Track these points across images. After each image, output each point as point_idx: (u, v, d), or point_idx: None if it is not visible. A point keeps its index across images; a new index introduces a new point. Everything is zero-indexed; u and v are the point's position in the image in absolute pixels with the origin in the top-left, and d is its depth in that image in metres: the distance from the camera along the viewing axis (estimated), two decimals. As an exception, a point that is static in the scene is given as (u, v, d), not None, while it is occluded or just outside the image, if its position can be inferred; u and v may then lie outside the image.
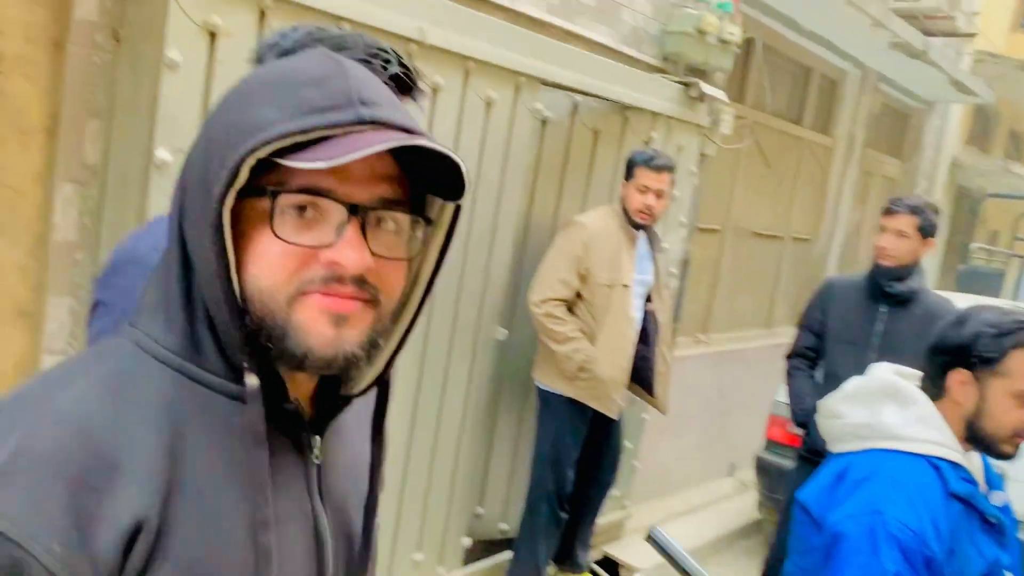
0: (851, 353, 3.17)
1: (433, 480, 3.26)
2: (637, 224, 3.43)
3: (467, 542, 3.57)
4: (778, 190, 6.20)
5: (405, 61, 1.43)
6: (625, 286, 3.39)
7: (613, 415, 3.49)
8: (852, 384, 1.85)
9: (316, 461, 0.81)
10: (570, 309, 3.41)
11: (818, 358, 3.44)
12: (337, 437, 0.86)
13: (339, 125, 0.69)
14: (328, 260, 0.71)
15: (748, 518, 5.28)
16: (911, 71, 6.70)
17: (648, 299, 3.59)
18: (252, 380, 0.73)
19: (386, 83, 1.42)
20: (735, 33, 4.30)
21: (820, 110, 6.56)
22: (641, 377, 3.59)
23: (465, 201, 0.79)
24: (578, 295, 3.40)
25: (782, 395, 4.78)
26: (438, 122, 2.88)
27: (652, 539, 1.50)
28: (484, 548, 3.85)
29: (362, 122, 0.70)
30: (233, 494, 0.73)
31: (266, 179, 0.70)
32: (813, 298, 3.46)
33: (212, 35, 2.22)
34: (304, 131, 0.68)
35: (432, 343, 3.09)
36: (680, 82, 4.09)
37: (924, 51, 6.14)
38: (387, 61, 1.44)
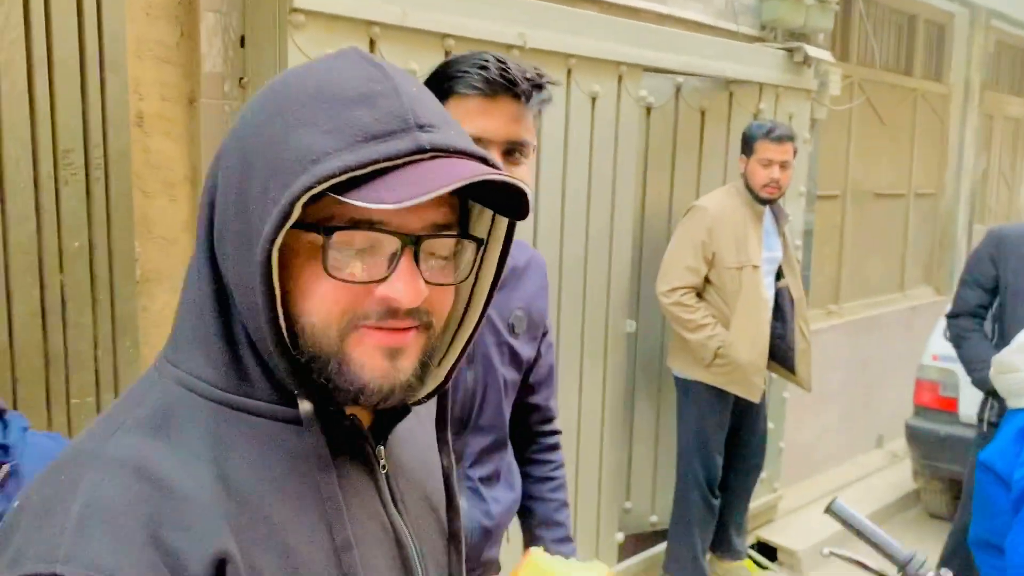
0: None
1: (580, 477, 3.27)
2: (763, 199, 3.35)
3: (620, 537, 3.57)
4: (895, 146, 5.93)
5: (505, 61, 1.39)
6: (755, 267, 3.31)
7: (755, 399, 3.42)
8: (1024, 335, 1.75)
9: (383, 471, 0.80)
10: (700, 295, 3.36)
11: (985, 315, 3.21)
12: (400, 439, 0.84)
13: (398, 157, 0.64)
14: (383, 296, 0.68)
15: (903, 490, 5.07)
16: (1026, 2, 6.30)
17: (779, 276, 3.50)
18: (305, 405, 0.71)
19: (515, 94, 1.37)
20: (833, -9, 4.15)
21: (930, 57, 6.24)
22: (781, 356, 3.50)
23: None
24: (707, 280, 3.35)
25: (928, 359, 4.58)
26: (545, 122, 2.89)
27: (833, 511, 1.46)
28: (636, 542, 3.84)
29: (422, 150, 0.65)
30: (308, 520, 0.71)
31: (312, 209, 0.66)
32: (980, 251, 3.20)
33: (328, 69, 2.30)
34: (363, 165, 0.63)
35: (564, 342, 3.11)
36: (783, 48, 3.97)
37: (1039, -21, 5.76)
38: (484, 63, 1.37)
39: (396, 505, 0.80)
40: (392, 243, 0.68)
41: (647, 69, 3.27)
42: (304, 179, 0.63)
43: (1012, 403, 1.77)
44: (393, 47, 2.41)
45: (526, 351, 1.61)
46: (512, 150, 1.38)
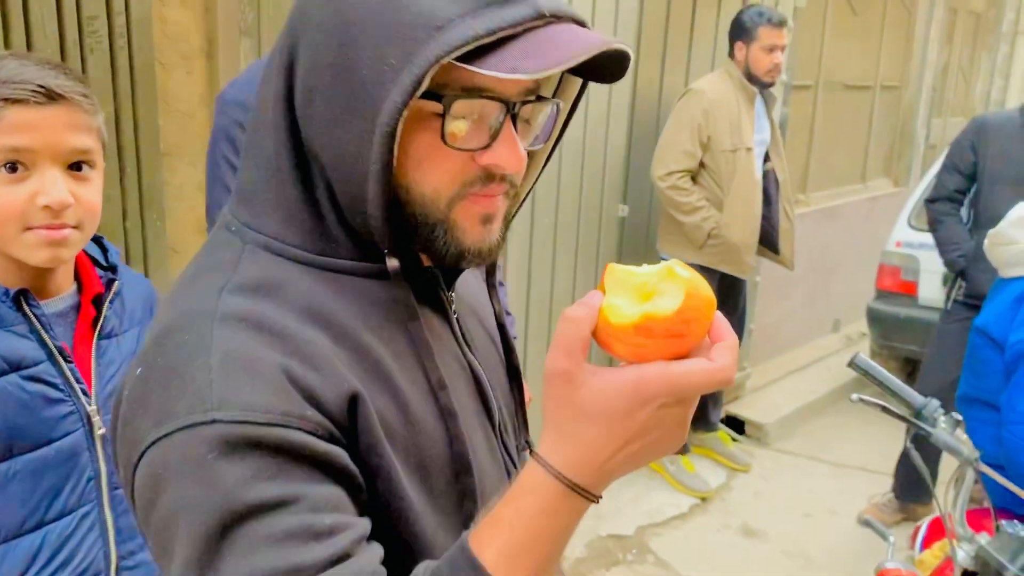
0: (1012, 193, 2.98)
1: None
2: (766, 84, 3.43)
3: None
4: (866, 38, 6.00)
5: None
6: (748, 149, 3.40)
7: (746, 276, 3.57)
8: (1023, 209, 1.89)
9: (455, 315, 0.84)
10: (693, 179, 3.45)
11: (963, 200, 3.35)
12: (458, 285, 0.88)
13: (519, 23, 0.64)
14: (489, 163, 0.70)
15: (859, 370, 5.37)
16: None
17: (766, 158, 3.60)
18: (393, 261, 0.72)
19: None
20: None
21: (903, -52, 6.25)
22: (765, 236, 3.64)
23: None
24: (700, 164, 3.43)
25: (892, 245, 4.80)
26: (551, 3, 2.89)
27: (856, 364, 1.60)
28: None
29: (541, 16, 0.65)
30: (406, 363, 0.75)
31: (439, 87, 0.66)
32: (961, 138, 3.32)
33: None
34: (491, 33, 0.63)
35: (561, 229, 3.20)
36: (772, -67, 3.97)
37: None
38: None
39: (468, 344, 0.85)
40: (494, 109, 0.69)
41: (646, -51, 3.25)
42: (434, 47, 0.63)
43: (1005, 272, 1.92)
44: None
45: None
46: None
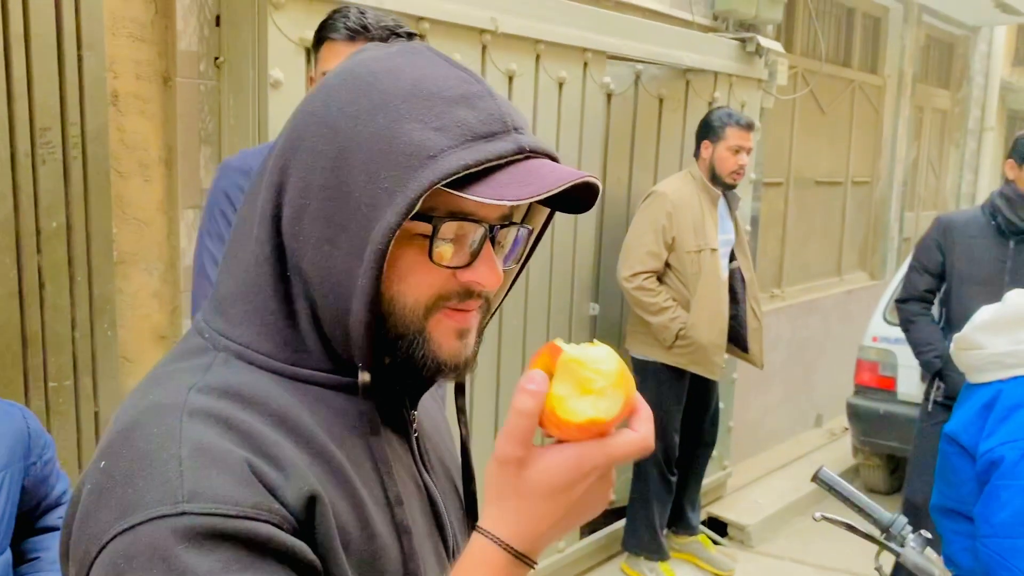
0: (981, 293, 2.92)
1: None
2: (729, 185, 3.47)
3: (581, 515, 3.65)
4: (834, 135, 6.14)
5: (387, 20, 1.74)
6: (713, 250, 3.41)
7: (716, 377, 3.53)
8: (988, 313, 1.87)
9: (415, 434, 0.86)
10: (660, 279, 3.45)
11: (933, 300, 3.32)
12: (421, 405, 0.90)
13: (503, 157, 0.70)
14: (468, 280, 0.74)
15: (843, 465, 5.28)
16: (955, -2, 6.57)
17: (731, 257, 3.61)
18: (365, 376, 0.74)
19: (369, 38, 1.70)
20: (782, -17, 4.27)
21: (867, 49, 6.47)
22: (733, 335, 3.62)
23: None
24: (666, 264, 3.43)
25: (868, 340, 4.78)
26: (517, 105, 2.92)
27: (820, 479, 1.55)
28: (595, 520, 3.92)
29: (521, 151, 0.72)
30: (365, 476, 0.76)
31: (429, 210, 0.71)
32: (926, 238, 3.31)
33: (308, 51, 2.29)
34: (478, 164, 0.69)
35: (531, 325, 3.16)
36: (736, 39, 4.08)
37: (969, -24, 6.01)
38: (345, 15, 1.72)
39: (425, 466, 0.86)
40: (475, 231, 0.74)
41: (611, 57, 3.33)
42: (428, 174, 0.68)
43: (973, 378, 1.89)
44: (371, 29, 2.40)
45: None
46: None
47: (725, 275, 3.53)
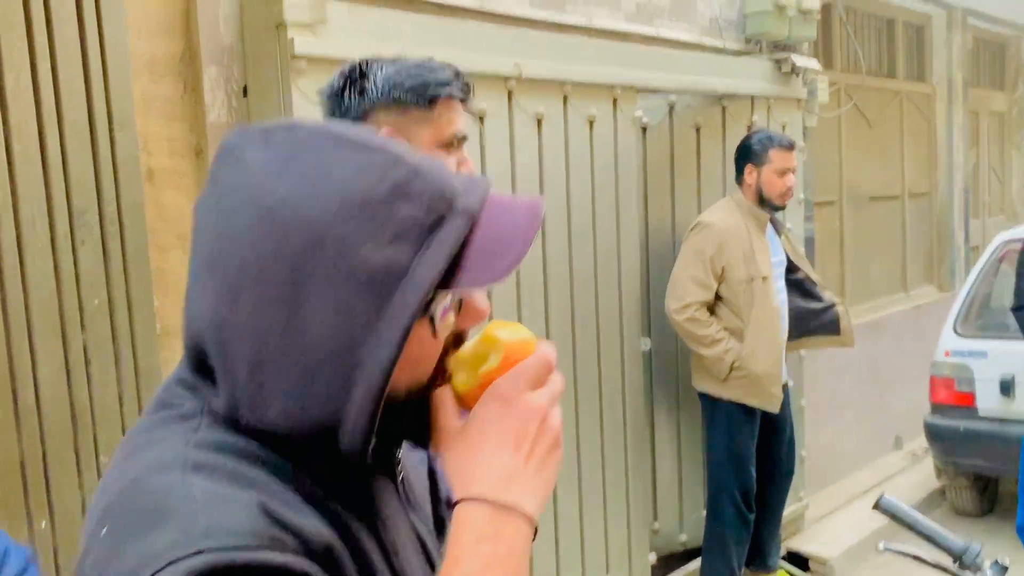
0: None
1: (609, 500, 3.25)
2: (778, 207, 3.42)
3: (652, 558, 3.54)
4: (886, 148, 5.99)
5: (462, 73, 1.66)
6: (765, 278, 3.33)
7: (774, 409, 3.42)
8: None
9: (400, 478, 0.85)
10: (711, 310, 3.37)
11: None
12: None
13: (462, 237, 0.69)
14: (465, 326, 0.77)
15: (927, 489, 5.05)
16: (1000, -2, 6.39)
17: (794, 269, 3.56)
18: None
19: (463, 93, 1.63)
20: (813, 1, 4.21)
21: (912, 59, 6.32)
22: (826, 325, 3.57)
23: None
24: (717, 295, 3.36)
25: (941, 355, 4.58)
26: (545, 146, 2.92)
27: (882, 507, 1.45)
28: (668, 563, 3.80)
29: (472, 219, 0.70)
30: (362, 525, 0.74)
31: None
32: None
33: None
34: (446, 260, 0.67)
35: (581, 364, 3.11)
36: (770, 60, 4.03)
37: (1011, -26, 5.85)
38: (464, 76, 1.63)
39: (413, 508, 0.85)
40: (457, 296, 0.75)
41: (640, 90, 3.31)
42: (411, 300, 0.66)
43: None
44: (394, 85, 2.43)
45: None
46: None
47: (778, 302, 3.44)
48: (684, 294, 3.32)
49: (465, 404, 0.73)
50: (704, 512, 3.65)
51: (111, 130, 2.05)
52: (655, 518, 3.74)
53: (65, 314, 1.97)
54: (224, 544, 0.59)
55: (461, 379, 0.73)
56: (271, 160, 0.67)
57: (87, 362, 2.01)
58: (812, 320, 3.60)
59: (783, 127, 4.03)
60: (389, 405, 0.69)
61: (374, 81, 1.60)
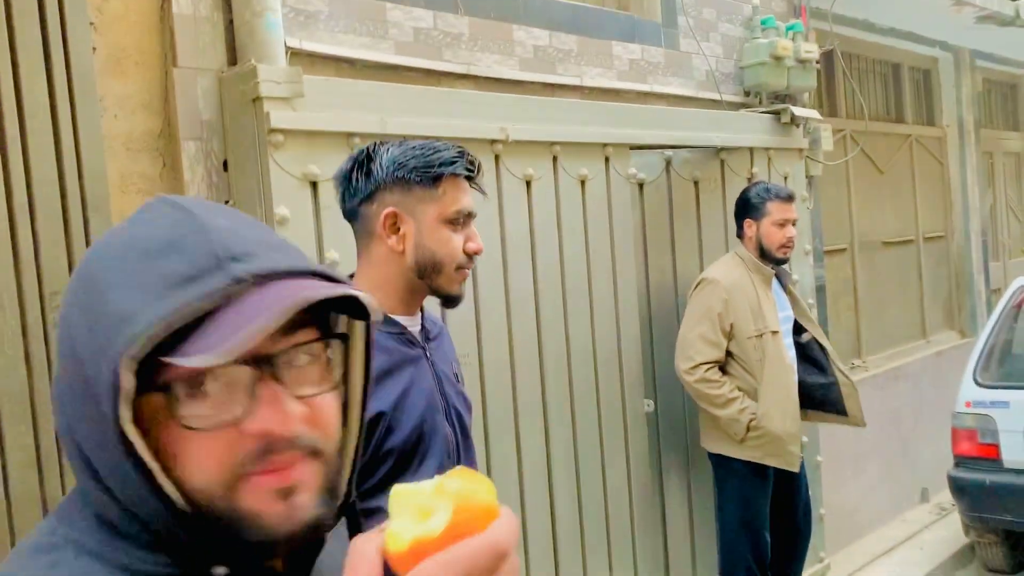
0: None
1: (615, 565, 3.13)
2: (780, 260, 3.34)
3: (663, 628, 3.40)
4: (897, 193, 5.90)
5: (468, 153, 1.69)
6: (774, 332, 3.25)
7: (795, 468, 3.30)
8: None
9: None
10: (722, 369, 3.28)
11: None
12: (322, 565, 0.77)
13: (214, 295, 0.61)
14: (256, 431, 0.63)
15: (957, 544, 4.85)
16: (1007, 40, 6.34)
17: (801, 330, 3.43)
18: (220, 571, 0.65)
19: (472, 173, 1.68)
20: (812, 50, 4.19)
21: (920, 103, 6.27)
22: (831, 402, 3.43)
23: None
24: (727, 353, 3.27)
25: (961, 406, 4.43)
26: (537, 209, 2.89)
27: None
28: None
29: (239, 282, 0.62)
30: None
31: (159, 368, 0.62)
32: None
33: (313, 184, 2.31)
34: (174, 313, 0.60)
35: (581, 427, 3.02)
36: (768, 112, 3.99)
37: (1016, 15, 5.81)
38: (470, 156, 1.67)
39: None
40: (246, 374, 0.63)
41: (634, 147, 3.27)
42: (119, 343, 0.60)
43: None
44: (375, 155, 2.42)
45: (468, 394, 1.83)
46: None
47: (790, 357, 3.34)
48: (694, 354, 3.23)
49: (392, 565, 0.59)
50: (717, 578, 3.50)
51: (84, 212, 2.03)
52: (667, 585, 3.61)
53: (36, 402, 1.94)
54: None
55: (394, 530, 0.59)
56: (120, 223, 0.70)
57: (59, 453, 1.96)
58: (816, 393, 3.46)
59: (785, 177, 3.97)
60: (205, 516, 0.63)
61: (380, 163, 1.67)
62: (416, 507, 0.59)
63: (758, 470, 3.30)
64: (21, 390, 1.92)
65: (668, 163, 3.61)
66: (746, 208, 3.38)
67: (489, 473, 2.67)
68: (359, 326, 0.75)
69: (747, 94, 4.21)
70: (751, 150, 3.83)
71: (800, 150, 4.11)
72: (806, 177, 4.25)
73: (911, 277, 6.05)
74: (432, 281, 1.69)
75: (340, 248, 2.33)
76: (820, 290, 4.63)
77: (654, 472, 3.48)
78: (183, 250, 0.63)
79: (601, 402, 3.12)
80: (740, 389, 3.24)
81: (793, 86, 4.20)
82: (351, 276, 1.78)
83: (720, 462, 3.38)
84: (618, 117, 3.18)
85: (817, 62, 4.30)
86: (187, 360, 0.58)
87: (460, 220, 1.68)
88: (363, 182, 1.68)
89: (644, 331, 3.42)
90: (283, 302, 0.61)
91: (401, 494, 0.60)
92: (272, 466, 0.64)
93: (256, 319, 0.59)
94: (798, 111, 3.98)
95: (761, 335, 3.24)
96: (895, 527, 5.11)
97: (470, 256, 1.70)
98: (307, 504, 0.66)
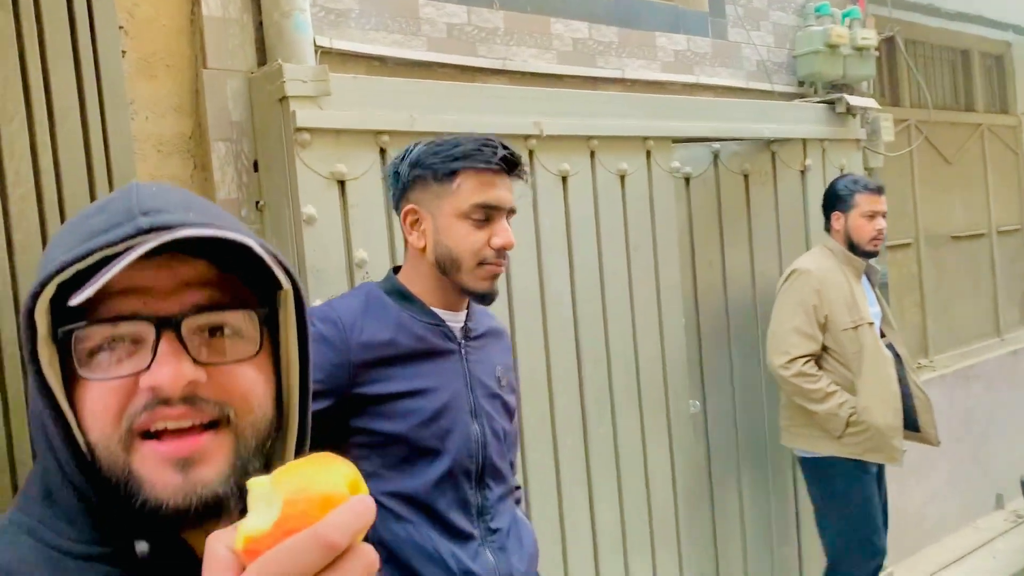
0: None
1: (659, 572, 3.05)
2: (870, 253, 3.24)
3: (713, 636, 3.30)
4: (967, 185, 5.64)
5: (508, 145, 1.65)
6: (870, 323, 3.14)
7: (898, 463, 3.18)
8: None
9: None
10: (818, 364, 3.16)
11: None
12: None
13: (114, 243, 0.64)
14: (146, 385, 0.64)
15: (1035, 554, 4.60)
16: (1087, 20, 5.99)
17: (881, 333, 3.30)
18: (141, 546, 0.66)
19: (498, 165, 1.62)
20: (869, 37, 4.02)
21: (991, 90, 5.98)
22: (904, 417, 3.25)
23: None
24: (823, 347, 3.16)
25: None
26: (574, 205, 2.82)
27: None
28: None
29: (141, 232, 0.64)
30: None
31: (71, 321, 0.65)
32: None
33: (341, 183, 2.30)
34: (80, 258, 0.63)
35: (622, 430, 2.95)
36: (822, 102, 3.85)
37: (1096, -6, 5.49)
38: (494, 147, 1.63)
39: None
40: (148, 330, 0.65)
41: (677, 140, 3.18)
42: (34, 288, 0.64)
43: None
44: (403, 152, 2.40)
45: (512, 401, 1.80)
46: (511, 213, 1.70)
47: (887, 350, 3.20)
48: (789, 347, 3.12)
49: (240, 558, 0.55)
50: (770, 585, 3.38)
51: (114, 213, 2.06)
52: (717, 591, 3.51)
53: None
54: None
55: (241, 526, 0.55)
56: None
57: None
58: None
59: (841, 169, 3.82)
60: (106, 477, 0.65)
61: (407, 162, 1.70)
62: (258, 499, 0.56)
63: (858, 467, 3.15)
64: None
65: (716, 156, 3.51)
66: (834, 200, 3.28)
67: (525, 478, 2.62)
68: (289, 305, 0.74)
69: (801, 84, 4.06)
70: (804, 141, 3.69)
71: (857, 141, 3.95)
72: (865, 169, 4.07)
73: (983, 272, 5.77)
74: (454, 277, 1.67)
75: (368, 247, 2.31)
76: (883, 287, 4.44)
77: (702, 475, 3.38)
78: (106, 210, 0.68)
79: (644, 403, 3.03)
80: (837, 384, 3.12)
81: (850, 75, 4.04)
82: (395, 270, 1.80)
83: (813, 464, 3.23)
84: (660, 109, 3.10)
85: (876, 49, 4.13)
86: (74, 298, 0.61)
87: (482, 214, 1.64)
88: (395, 183, 1.73)
89: (691, 329, 3.33)
90: (146, 245, 0.63)
91: (252, 485, 0.57)
92: (159, 416, 0.64)
93: (123, 260, 0.62)
94: (854, 100, 3.82)
95: (857, 327, 3.13)
96: (966, 535, 4.87)
97: (499, 252, 1.66)
98: (207, 479, 0.65)
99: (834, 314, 3.12)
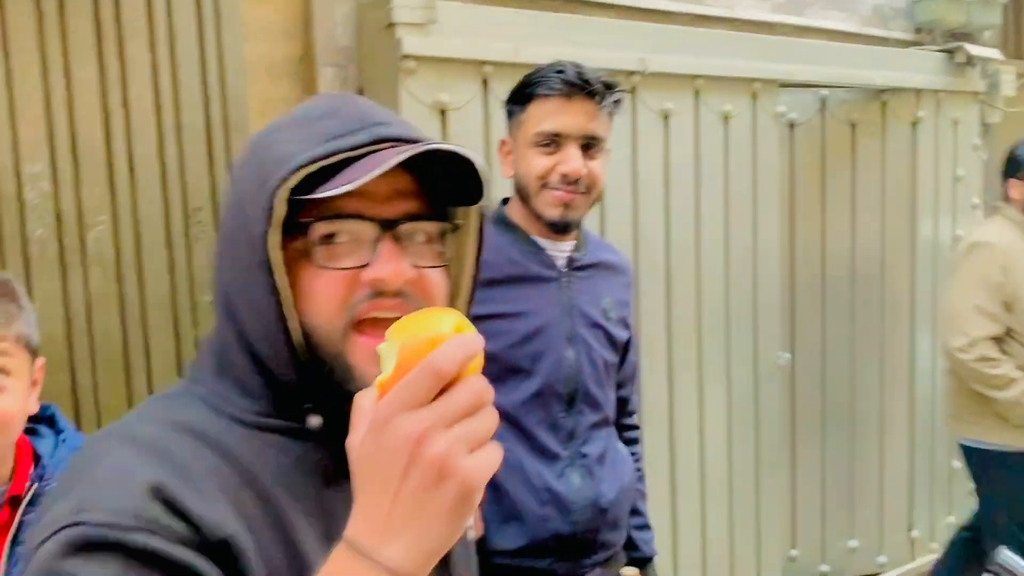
0: None
1: (736, 523, 3.05)
2: None
3: (786, 588, 3.29)
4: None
5: (582, 69, 1.65)
6: None
7: None
8: None
9: None
10: (999, 346, 2.86)
11: None
12: None
13: (357, 147, 0.72)
14: (370, 279, 0.72)
15: None
16: None
17: None
18: (314, 420, 0.75)
19: (560, 89, 1.63)
20: (997, -18, 3.79)
21: None
22: None
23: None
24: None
25: None
26: (674, 146, 2.77)
27: (1001, 567, 1.24)
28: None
29: (378, 141, 0.73)
30: (314, 529, 0.73)
31: (304, 215, 0.72)
32: None
33: (443, 112, 2.31)
34: (326, 156, 0.71)
35: (708, 376, 2.93)
36: (941, 50, 3.65)
37: None
38: (561, 72, 1.64)
39: None
40: (372, 231, 0.73)
41: (783, 84, 3.08)
42: (278, 174, 0.70)
43: None
44: (506, 85, 2.38)
45: (620, 334, 1.79)
46: (589, 145, 1.64)
47: None
48: (970, 328, 2.81)
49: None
50: (849, 542, 3.34)
51: (227, 133, 2.12)
52: (793, 545, 3.49)
53: (178, 310, 2.06)
54: (100, 520, 0.63)
55: (378, 377, 0.63)
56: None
57: (198, 356, 2.09)
58: None
59: (955, 123, 3.64)
60: (312, 357, 0.73)
61: (508, 97, 1.76)
62: (385, 356, 0.62)
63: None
64: (165, 298, 2.04)
65: (823, 103, 3.38)
66: (1014, 167, 2.96)
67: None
68: (474, 220, 0.83)
69: (918, 31, 3.86)
70: (917, 92, 3.52)
71: (975, 93, 3.74)
72: (981, 124, 3.87)
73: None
74: (529, 204, 1.70)
75: (467, 177, 2.33)
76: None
77: (787, 428, 3.34)
78: (336, 115, 0.75)
79: (732, 352, 3.00)
80: (1020, 368, 2.84)
81: (973, 23, 3.81)
82: (504, 201, 1.83)
83: (985, 457, 2.94)
84: (768, 51, 2.99)
85: (1004, -4, 3.88)
86: (323, 191, 0.69)
87: (547, 140, 1.64)
88: (516, 101, 1.76)
89: (785, 280, 3.26)
90: (408, 150, 0.70)
91: (379, 349, 0.63)
92: (378, 307, 0.73)
93: (385, 163, 0.69)
94: (974, 49, 3.61)
95: None
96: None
97: (565, 179, 1.63)
98: None
99: (1021, 292, 2.83)
